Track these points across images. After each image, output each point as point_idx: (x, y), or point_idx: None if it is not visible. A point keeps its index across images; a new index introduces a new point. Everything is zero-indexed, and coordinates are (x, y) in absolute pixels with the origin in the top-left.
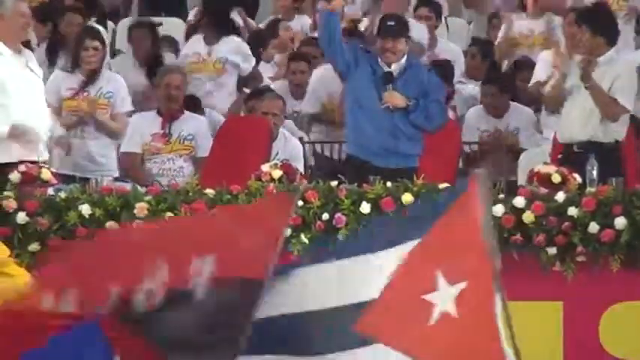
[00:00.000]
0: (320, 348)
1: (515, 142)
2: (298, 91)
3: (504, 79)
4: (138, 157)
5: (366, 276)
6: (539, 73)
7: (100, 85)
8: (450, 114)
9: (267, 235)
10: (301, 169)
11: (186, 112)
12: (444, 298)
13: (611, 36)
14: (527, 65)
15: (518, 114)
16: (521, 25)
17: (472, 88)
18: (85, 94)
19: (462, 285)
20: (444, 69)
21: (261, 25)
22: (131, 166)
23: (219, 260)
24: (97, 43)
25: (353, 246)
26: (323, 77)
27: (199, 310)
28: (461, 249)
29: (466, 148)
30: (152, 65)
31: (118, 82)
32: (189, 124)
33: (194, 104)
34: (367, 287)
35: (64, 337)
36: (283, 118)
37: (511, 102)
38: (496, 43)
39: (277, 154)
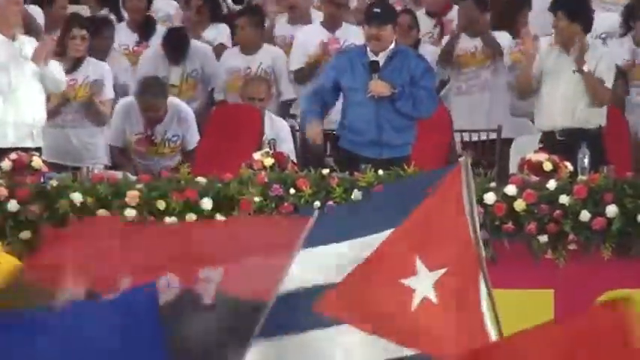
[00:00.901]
0: (286, 329)
1: None
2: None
3: None
4: (122, 151)
5: (324, 262)
6: None
7: (85, 72)
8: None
9: (278, 258)
10: (290, 150)
11: (169, 112)
12: (423, 283)
13: (586, 22)
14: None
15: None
16: None
17: None
18: (72, 82)
19: (442, 271)
20: None
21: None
22: (116, 159)
23: (227, 276)
24: (84, 32)
25: (319, 235)
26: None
27: (205, 315)
28: (442, 235)
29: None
30: (144, 28)
31: (104, 69)
32: (173, 125)
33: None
34: (325, 272)
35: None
36: (270, 100)
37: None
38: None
39: (265, 135)
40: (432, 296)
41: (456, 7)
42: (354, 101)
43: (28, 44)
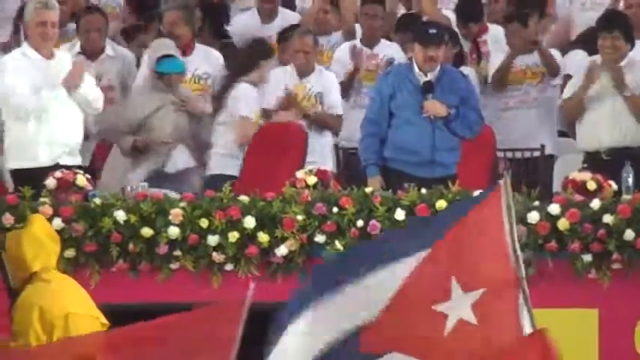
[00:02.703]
0: None
1: None
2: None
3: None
4: None
5: (362, 300)
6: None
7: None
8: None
9: (220, 350)
10: (336, 102)
11: (200, 51)
12: (458, 306)
13: (633, 39)
14: None
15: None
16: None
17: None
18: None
19: (481, 291)
20: (472, 6)
21: None
22: None
23: None
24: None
25: (353, 268)
26: None
27: None
28: (481, 256)
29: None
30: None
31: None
32: (203, 63)
33: None
34: (364, 310)
35: None
36: (316, 53)
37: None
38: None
39: (312, 87)
40: (471, 317)
41: (493, 28)
42: (405, 121)
43: (66, 62)
